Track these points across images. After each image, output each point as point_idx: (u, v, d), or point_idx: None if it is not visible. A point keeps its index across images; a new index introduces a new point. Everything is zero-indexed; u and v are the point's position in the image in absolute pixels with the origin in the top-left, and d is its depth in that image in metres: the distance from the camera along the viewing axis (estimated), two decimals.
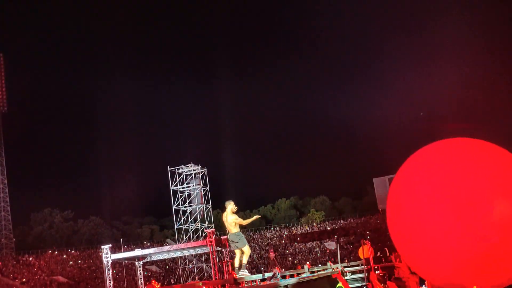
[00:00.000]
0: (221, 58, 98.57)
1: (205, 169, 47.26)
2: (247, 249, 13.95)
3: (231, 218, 13.64)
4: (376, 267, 17.12)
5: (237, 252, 14.06)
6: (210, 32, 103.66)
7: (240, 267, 13.86)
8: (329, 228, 65.86)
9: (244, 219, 14.23)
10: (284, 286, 12.23)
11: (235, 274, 13.32)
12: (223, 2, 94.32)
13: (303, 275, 15.83)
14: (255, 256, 60.91)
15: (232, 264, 14.39)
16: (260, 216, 17.02)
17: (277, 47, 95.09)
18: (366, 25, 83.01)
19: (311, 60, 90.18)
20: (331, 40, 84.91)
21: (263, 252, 60.72)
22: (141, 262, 39.95)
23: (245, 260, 13.87)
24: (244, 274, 13.81)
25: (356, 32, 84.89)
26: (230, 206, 13.72)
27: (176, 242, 49.09)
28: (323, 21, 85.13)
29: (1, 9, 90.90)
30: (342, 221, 67.86)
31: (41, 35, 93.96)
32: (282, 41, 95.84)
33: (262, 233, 68.34)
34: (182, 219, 46.70)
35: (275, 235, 65.17)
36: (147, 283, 35.83)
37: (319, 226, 68.17)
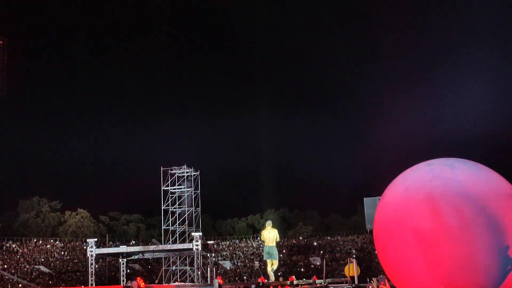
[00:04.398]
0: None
1: (198, 173, 47.20)
2: (276, 261, 18.02)
3: (277, 234, 17.62)
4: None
5: (269, 262, 17.84)
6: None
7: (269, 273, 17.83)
8: (315, 243, 65.85)
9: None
10: None
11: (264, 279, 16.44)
12: None
13: None
14: (239, 264, 60.78)
15: (261, 270, 18.78)
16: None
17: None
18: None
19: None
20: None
21: (247, 261, 60.63)
22: (124, 259, 39.86)
23: (275, 268, 17.93)
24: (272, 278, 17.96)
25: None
26: (271, 224, 17.73)
27: (161, 243, 48.86)
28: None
29: None
30: (329, 237, 67.85)
31: (46, 22, 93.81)
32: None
33: (249, 242, 68.26)
34: (170, 220, 46.58)
35: (261, 245, 65.06)
36: (130, 280, 35.59)
37: (306, 240, 68.14)
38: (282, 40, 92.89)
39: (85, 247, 49.82)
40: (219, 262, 60.17)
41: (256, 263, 44.53)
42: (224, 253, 63.49)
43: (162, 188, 46.50)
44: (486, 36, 73.45)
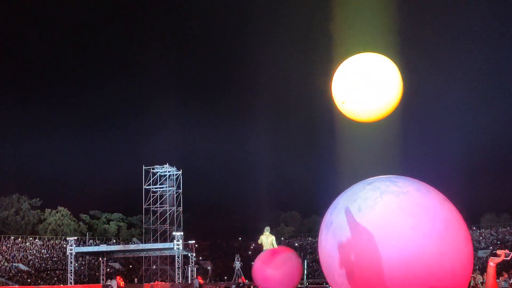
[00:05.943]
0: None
1: (180, 172, 47.03)
2: None
3: (273, 240, 18.50)
4: None
5: None
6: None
7: None
8: (297, 244, 65.98)
9: None
10: None
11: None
12: None
13: None
14: (219, 264, 60.71)
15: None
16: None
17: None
18: None
19: None
20: None
21: (228, 261, 60.56)
22: (104, 258, 39.64)
23: None
24: None
25: None
26: (269, 230, 18.85)
27: (142, 242, 48.66)
28: None
29: None
30: (310, 239, 68.01)
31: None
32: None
33: (230, 242, 68.19)
34: (151, 219, 46.36)
35: (242, 246, 65.07)
36: (110, 279, 35.45)
37: (287, 241, 68.22)
38: (274, 40, 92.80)
39: (65, 246, 49.39)
40: (200, 261, 60.06)
41: (237, 263, 44.43)
42: (205, 252, 63.39)
43: (143, 187, 46.29)
44: None
